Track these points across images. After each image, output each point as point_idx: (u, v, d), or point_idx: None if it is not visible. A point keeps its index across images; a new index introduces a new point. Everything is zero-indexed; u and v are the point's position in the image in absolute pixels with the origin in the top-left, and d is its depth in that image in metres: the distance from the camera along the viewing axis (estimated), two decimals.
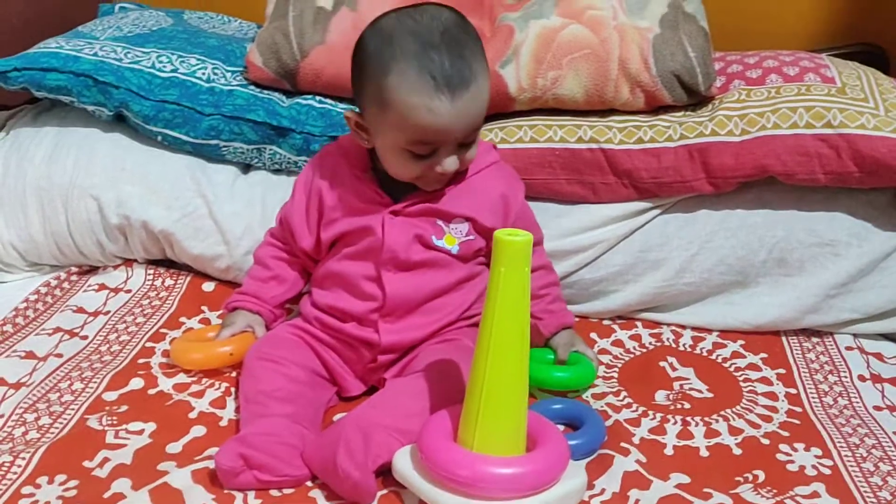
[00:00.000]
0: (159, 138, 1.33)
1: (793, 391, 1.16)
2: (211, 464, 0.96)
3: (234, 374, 1.14)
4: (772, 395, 1.15)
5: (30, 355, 1.17)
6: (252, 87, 1.35)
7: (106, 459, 0.98)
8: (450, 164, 1.04)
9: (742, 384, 1.17)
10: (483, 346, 0.89)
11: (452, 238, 1.10)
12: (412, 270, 1.09)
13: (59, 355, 1.18)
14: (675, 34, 1.28)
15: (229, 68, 1.37)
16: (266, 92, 1.34)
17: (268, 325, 1.16)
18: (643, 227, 1.28)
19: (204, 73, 1.34)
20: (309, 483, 0.95)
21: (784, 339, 1.26)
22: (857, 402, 1.13)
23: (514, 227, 1.10)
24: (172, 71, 1.33)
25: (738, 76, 1.32)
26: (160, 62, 1.34)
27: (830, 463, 1.02)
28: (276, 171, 1.36)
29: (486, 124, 1.31)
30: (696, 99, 1.28)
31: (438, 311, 1.10)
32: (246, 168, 1.37)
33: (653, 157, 1.25)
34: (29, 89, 1.32)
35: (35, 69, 1.30)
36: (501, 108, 1.32)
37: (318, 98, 1.35)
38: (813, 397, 1.15)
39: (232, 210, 1.32)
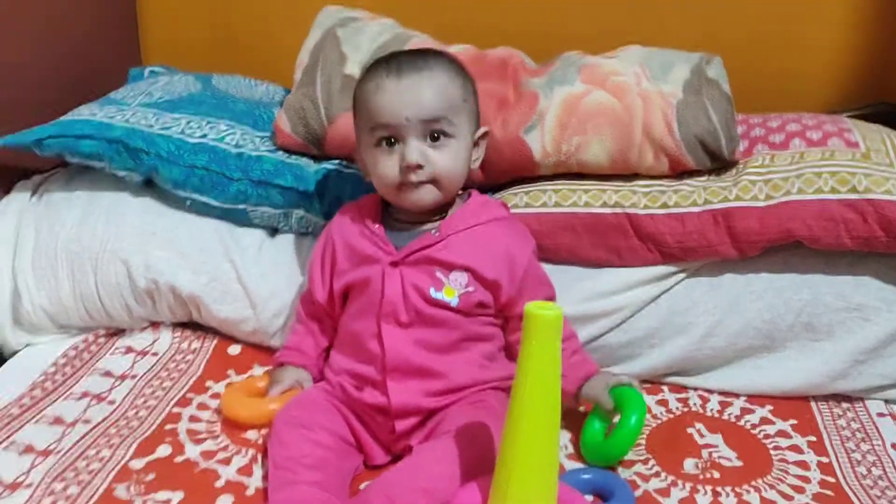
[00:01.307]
0: (188, 203, 1.34)
1: (824, 460, 1.14)
2: None
3: (260, 440, 1.13)
4: (803, 465, 1.13)
5: (58, 421, 1.17)
6: (280, 152, 1.36)
7: None
8: (411, 151, 1.07)
9: (772, 452, 1.15)
10: (514, 420, 0.89)
11: (451, 290, 1.10)
12: (412, 326, 1.09)
13: (87, 421, 1.18)
14: (698, 99, 1.29)
15: (258, 133, 1.38)
16: (294, 157, 1.36)
17: (315, 379, 1.18)
18: (669, 291, 1.28)
19: (233, 139, 1.36)
20: None
21: (813, 404, 1.25)
22: (892, 472, 1.11)
23: (522, 284, 1.11)
24: (202, 137, 1.35)
25: (762, 140, 1.32)
26: (190, 128, 1.36)
27: None
28: (303, 234, 1.36)
29: (511, 189, 1.33)
30: (719, 163, 1.29)
31: (446, 372, 1.09)
32: (273, 231, 1.37)
33: (677, 221, 1.25)
34: (63, 155, 1.34)
35: (69, 136, 1.32)
36: (526, 173, 1.32)
37: (344, 162, 1.36)
38: (846, 466, 1.13)
39: (259, 273, 1.32)
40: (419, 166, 1.07)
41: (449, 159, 1.08)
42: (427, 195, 1.11)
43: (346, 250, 1.14)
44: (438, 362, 1.09)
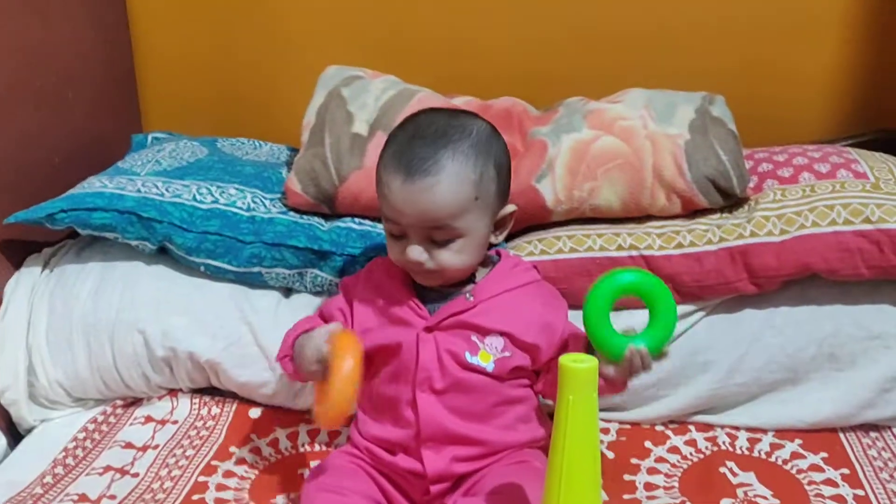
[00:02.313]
0: (202, 268, 1.33)
1: (860, 493, 1.13)
2: None
3: None
4: (839, 499, 1.12)
5: (83, 498, 1.15)
6: (292, 213, 1.35)
7: None
8: (412, 252, 1.05)
9: (807, 487, 1.14)
10: (554, 478, 0.87)
11: (487, 354, 1.08)
12: (447, 392, 1.08)
13: (113, 497, 1.15)
14: (705, 139, 1.30)
15: (267, 195, 1.38)
16: (305, 217, 1.35)
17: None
18: (689, 330, 1.27)
19: (244, 203, 1.35)
20: None
21: (842, 435, 1.24)
22: None
23: (562, 347, 1.09)
24: (213, 202, 1.34)
25: (770, 175, 1.33)
26: (200, 194, 1.35)
27: None
28: (318, 293, 1.35)
29: (525, 236, 1.33)
30: (731, 201, 1.29)
31: (481, 438, 1.08)
32: (288, 292, 1.36)
33: (694, 261, 1.25)
34: (75, 228, 1.34)
35: (81, 209, 1.30)
36: (539, 220, 1.32)
37: (356, 220, 1.35)
38: (882, 498, 1.12)
39: (277, 335, 1.22)
40: (420, 263, 1.07)
41: (454, 256, 1.07)
42: (435, 280, 1.10)
43: (374, 307, 1.13)
44: (474, 429, 1.08)
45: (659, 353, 1.04)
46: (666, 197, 1.29)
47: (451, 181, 1.04)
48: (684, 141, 1.30)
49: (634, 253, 1.27)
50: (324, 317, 1.18)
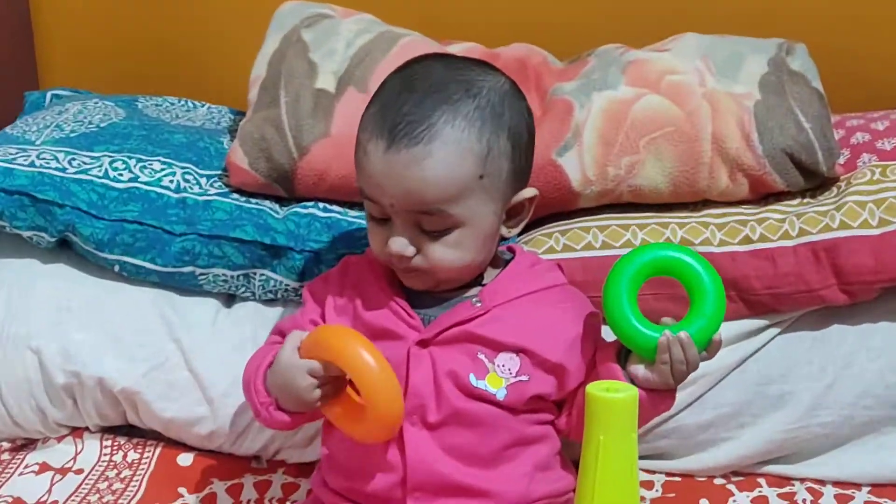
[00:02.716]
0: (116, 268, 1.33)
1: None
2: None
3: None
4: None
5: None
6: (235, 195, 1.35)
7: None
8: (394, 243, 1.06)
9: None
10: None
11: (498, 378, 1.08)
12: (444, 427, 1.08)
13: None
14: (781, 100, 1.30)
15: (204, 172, 1.38)
16: (254, 201, 1.35)
17: None
18: (758, 353, 1.27)
19: (172, 181, 1.35)
20: None
21: None
22: None
23: (593, 365, 1.10)
24: (131, 180, 1.34)
25: (866, 148, 1.33)
26: (115, 169, 1.34)
27: None
28: (270, 302, 1.35)
29: (544, 227, 1.33)
30: (815, 182, 1.29)
31: (487, 489, 1.07)
32: (229, 300, 1.36)
33: (766, 260, 1.25)
34: None
35: None
36: (562, 207, 1.32)
37: (321, 205, 1.35)
38: None
39: (215, 357, 1.31)
40: (404, 258, 1.08)
41: (448, 252, 1.07)
42: (424, 283, 1.11)
43: (351, 316, 1.13)
44: (477, 477, 1.07)
45: (707, 344, 1.05)
46: (729, 176, 1.28)
47: (447, 153, 1.03)
48: (754, 102, 1.29)
49: None
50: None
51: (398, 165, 1.03)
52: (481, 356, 1.08)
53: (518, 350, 1.09)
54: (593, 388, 0.87)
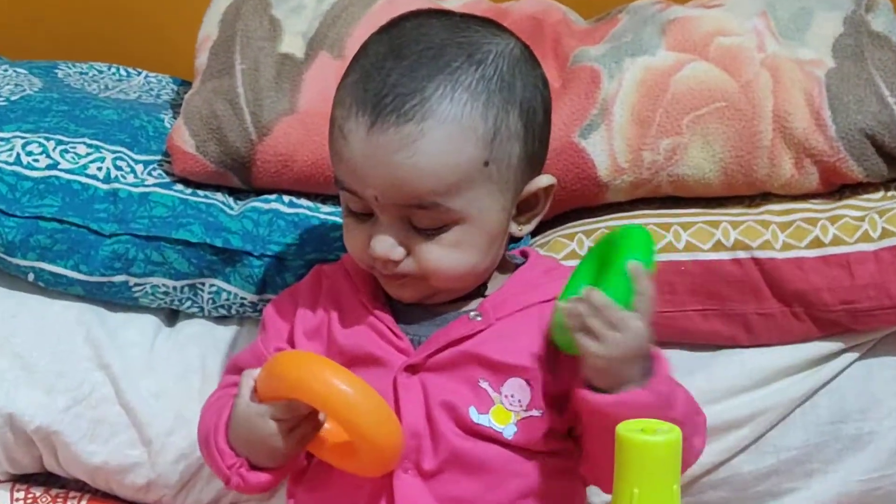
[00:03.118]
0: (31, 276, 1.33)
1: None
2: None
3: None
4: None
5: None
6: (179, 186, 1.36)
7: None
8: (378, 244, 1.07)
9: None
10: None
11: (506, 412, 1.08)
12: (441, 474, 1.08)
13: None
14: (861, 68, 1.31)
15: (139, 157, 1.38)
16: (203, 193, 1.36)
17: None
18: (832, 384, 1.29)
19: (100, 168, 1.35)
20: None
21: None
22: None
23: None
24: (49, 167, 1.34)
25: None
26: (29, 154, 1.35)
27: None
28: (222, 320, 1.36)
29: (564, 227, 1.34)
30: None
31: None
32: (172, 317, 1.37)
33: (841, 268, 1.26)
34: None
35: None
36: (586, 201, 1.33)
37: (286, 198, 1.36)
38: None
39: (153, 388, 1.32)
40: (390, 261, 1.08)
41: (446, 254, 1.08)
42: (415, 293, 1.11)
43: (325, 337, 1.14)
44: None
45: (630, 297, 1.00)
46: (794, 163, 1.29)
47: (444, 133, 1.04)
48: (825, 71, 1.30)
49: (743, 255, 1.27)
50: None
51: (384, 148, 1.04)
52: (484, 384, 1.08)
53: (528, 377, 1.09)
54: (624, 428, 0.84)
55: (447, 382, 1.09)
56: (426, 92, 1.04)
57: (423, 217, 1.06)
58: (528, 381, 1.09)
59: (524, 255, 1.19)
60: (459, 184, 1.05)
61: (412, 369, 1.09)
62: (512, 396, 1.09)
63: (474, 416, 1.08)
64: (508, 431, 1.08)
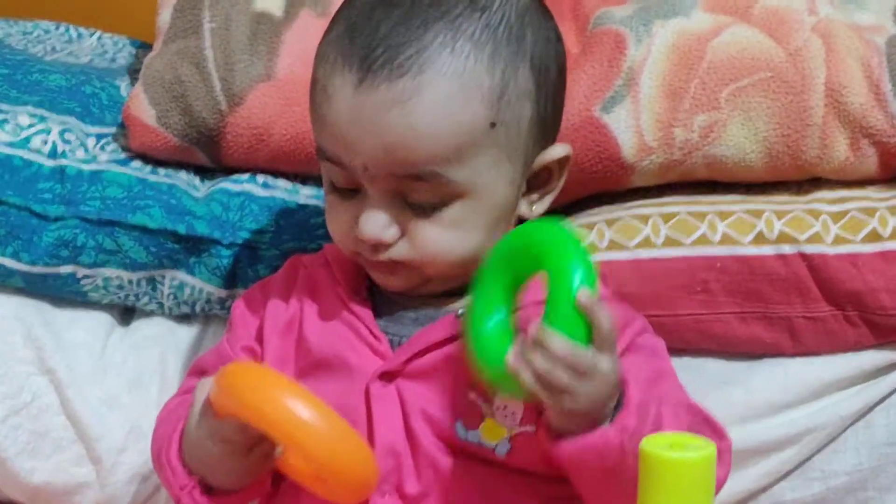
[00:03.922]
0: None
1: None
2: None
3: None
4: None
5: None
6: (136, 163, 1.37)
7: None
8: (368, 222, 1.07)
9: None
10: None
11: (498, 427, 1.09)
12: (426, 498, 1.08)
13: None
14: None
15: (91, 129, 1.39)
16: (164, 171, 1.37)
17: None
18: (889, 399, 1.29)
19: (45, 142, 1.36)
20: None
21: None
22: None
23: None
24: None
25: None
26: None
27: None
28: (185, 319, 1.37)
29: (582, 214, 1.34)
30: None
31: None
32: (127, 314, 1.38)
33: None
34: None
35: None
36: (608, 185, 1.33)
37: (260, 178, 1.37)
38: None
39: (104, 396, 1.33)
40: (382, 244, 1.08)
41: (445, 235, 1.08)
42: (407, 280, 1.11)
43: (295, 337, 1.14)
44: None
45: (579, 325, 0.96)
46: (850, 144, 1.30)
47: (445, 89, 1.04)
48: (886, 39, 1.31)
49: (788, 249, 1.28)
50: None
51: (374, 108, 1.04)
52: (473, 395, 1.08)
53: None
54: (650, 444, 0.85)
55: (428, 392, 1.10)
56: (423, 41, 1.05)
57: (419, 190, 1.06)
58: None
59: None
60: (462, 149, 1.05)
61: (388, 376, 1.10)
62: (505, 409, 1.09)
63: (461, 432, 1.09)
64: (501, 449, 1.08)
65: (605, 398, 0.97)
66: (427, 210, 1.07)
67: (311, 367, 1.11)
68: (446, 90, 1.04)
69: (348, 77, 1.04)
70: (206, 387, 1.04)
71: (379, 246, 1.07)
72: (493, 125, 1.06)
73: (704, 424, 1.07)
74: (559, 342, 0.94)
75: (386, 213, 1.07)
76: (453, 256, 1.08)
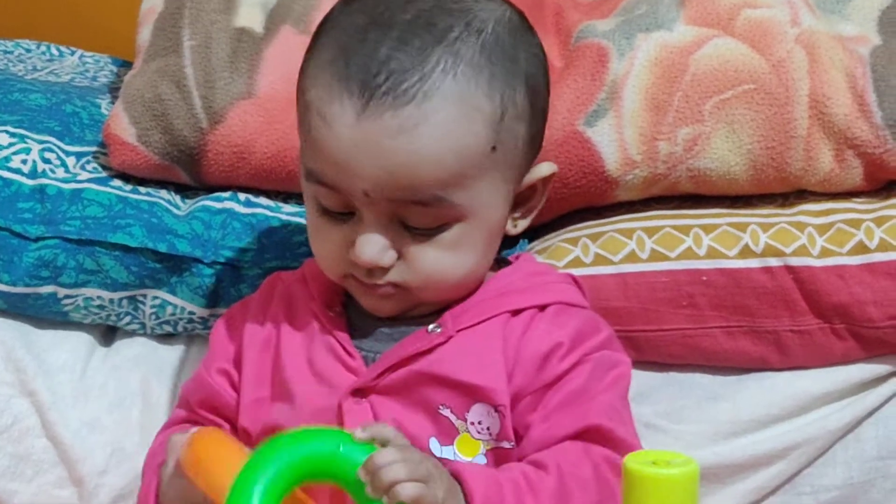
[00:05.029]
0: None
1: None
2: None
3: None
4: None
5: None
6: (117, 181, 1.37)
7: None
8: (365, 245, 1.06)
9: None
10: None
11: (473, 442, 1.09)
12: None
13: None
14: None
15: (71, 148, 1.39)
16: (145, 190, 1.36)
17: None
18: (879, 412, 1.29)
19: (24, 161, 1.35)
20: None
21: None
22: None
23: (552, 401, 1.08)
24: None
25: None
26: None
27: None
28: (167, 339, 1.37)
29: (566, 230, 1.34)
30: None
31: None
32: (109, 334, 1.37)
33: (889, 278, 1.26)
34: None
35: None
36: (592, 200, 1.33)
37: (242, 196, 1.36)
38: None
39: (86, 418, 1.32)
40: (379, 267, 1.08)
41: (444, 258, 1.08)
42: (394, 306, 1.11)
43: (270, 356, 1.14)
44: None
45: None
46: (835, 155, 1.30)
47: (450, 115, 1.05)
48: (870, 49, 1.31)
49: (775, 262, 1.28)
50: (193, 409, 1.19)
51: (378, 135, 1.03)
52: (445, 411, 1.08)
53: (496, 402, 1.08)
54: (633, 460, 0.85)
55: (401, 408, 1.09)
56: (425, 68, 1.04)
57: (419, 214, 1.06)
58: (495, 408, 1.09)
59: (515, 257, 1.20)
60: (464, 173, 1.05)
61: (361, 393, 1.10)
62: (479, 423, 1.09)
63: (436, 448, 1.08)
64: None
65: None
66: (425, 233, 1.07)
67: (287, 384, 1.11)
68: (450, 116, 1.04)
69: (348, 104, 1.04)
70: (176, 447, 1.05)
71: (376, 269, 1.07)
72: (493, 148, 1.06)
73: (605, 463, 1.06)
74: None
75: (384, 236, 1.06)
76: (453, 278, 1.09)
